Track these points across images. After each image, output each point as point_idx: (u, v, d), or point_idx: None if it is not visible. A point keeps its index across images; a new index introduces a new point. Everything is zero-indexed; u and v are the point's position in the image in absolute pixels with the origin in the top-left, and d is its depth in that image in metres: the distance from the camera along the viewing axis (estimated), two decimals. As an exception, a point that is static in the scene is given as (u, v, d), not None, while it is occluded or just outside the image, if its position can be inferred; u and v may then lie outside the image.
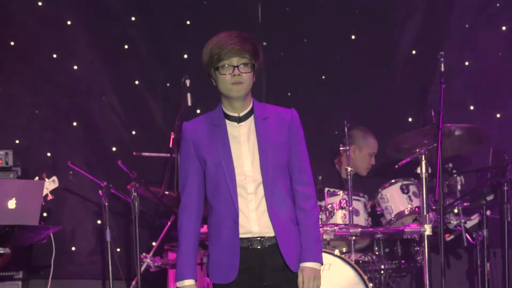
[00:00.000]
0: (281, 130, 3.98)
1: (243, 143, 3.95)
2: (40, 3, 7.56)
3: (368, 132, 7.01)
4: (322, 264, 3.99)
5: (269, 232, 3.93)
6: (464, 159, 7.15)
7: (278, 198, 3.94)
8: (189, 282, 3.94)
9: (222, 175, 3.91)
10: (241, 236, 3.91)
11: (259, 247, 3.93)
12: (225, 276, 3.93)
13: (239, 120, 3.97)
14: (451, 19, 7.53)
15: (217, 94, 4.00)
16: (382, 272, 6.42)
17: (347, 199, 6.16)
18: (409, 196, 6.45)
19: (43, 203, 6.35)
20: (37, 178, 6.30)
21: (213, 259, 3.97)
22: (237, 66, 3.88)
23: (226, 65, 3.88)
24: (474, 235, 6.45)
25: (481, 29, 7.50)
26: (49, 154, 7.53)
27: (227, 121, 3.99)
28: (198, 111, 7.34)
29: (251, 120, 3.98)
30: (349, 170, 6.18)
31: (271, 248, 3.93)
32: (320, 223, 6.02)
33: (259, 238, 3.93)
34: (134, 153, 6.68)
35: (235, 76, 3.88)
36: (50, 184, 6.33)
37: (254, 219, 3.92)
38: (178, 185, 4.09)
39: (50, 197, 6.31)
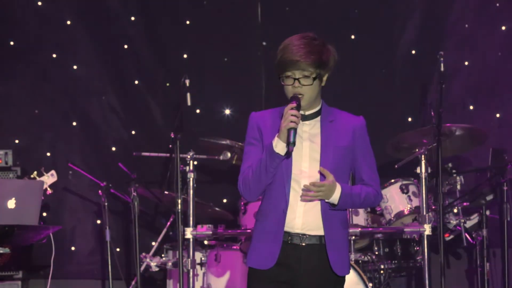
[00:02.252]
0: (346, 134, 4.02)
1: (305, 140, 3.99)
2: (40, 3, 7.56)
3: None
4: (336, 205, 3.91)
5: (311, 230, 3.96)
6: (464, 159, 7.15)
7: None
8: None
9: (279, 166, 3.94)
10: (284, 229, 3.95)
11: (298, 243, 3.95)
12: (262, 263, 3.96)
13: (305, 118, 4.01)
14: (451, 19, 7.53)
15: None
16: (381, 272, 6.42)
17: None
18: (409, 196, 6.45)
19: (43, 198, 6.36)
20: (35, 172, 6.30)
21: (254, 244, 4.01)
22: (298, 79, 3.93)
23: (288, 77, 3.94)
24: (473, 235, 6.44)
25: (481, 29, 7.49)
26: (48, 154, 7.52)
27: None
28: (198, 111, 7.34)
29: (317, 120, 4.03)
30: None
31: (310, 247, 3.96)
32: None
33: (300, 235, 3.95)
34: (134, 153, 6.67)
35: (295, 88, 3.94)
36: (49, 178, 6.33)
37: (300, 214, 3.95)
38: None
39: (49, 191, 6.31)
